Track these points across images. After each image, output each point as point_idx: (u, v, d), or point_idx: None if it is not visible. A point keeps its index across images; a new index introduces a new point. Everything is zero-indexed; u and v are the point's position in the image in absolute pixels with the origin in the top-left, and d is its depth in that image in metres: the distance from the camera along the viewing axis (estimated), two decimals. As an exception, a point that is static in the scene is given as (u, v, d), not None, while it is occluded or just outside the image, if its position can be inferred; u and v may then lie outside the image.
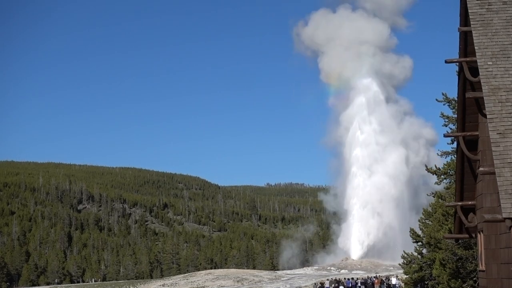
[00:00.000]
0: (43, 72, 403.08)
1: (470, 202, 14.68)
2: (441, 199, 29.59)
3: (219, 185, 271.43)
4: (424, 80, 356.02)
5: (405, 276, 37.57)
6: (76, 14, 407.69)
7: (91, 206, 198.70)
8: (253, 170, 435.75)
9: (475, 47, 12.66)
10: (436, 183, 30.27)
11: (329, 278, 70.52)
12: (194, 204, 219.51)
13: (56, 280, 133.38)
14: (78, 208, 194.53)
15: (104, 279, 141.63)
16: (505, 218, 10.78)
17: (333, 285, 59.61)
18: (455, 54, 14.35)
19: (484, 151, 13.17)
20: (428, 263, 30.82)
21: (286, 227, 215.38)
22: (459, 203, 14.86)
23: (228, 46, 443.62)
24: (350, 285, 57.85)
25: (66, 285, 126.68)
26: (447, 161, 29.15)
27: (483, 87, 12.11)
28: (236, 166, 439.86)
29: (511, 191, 10.88)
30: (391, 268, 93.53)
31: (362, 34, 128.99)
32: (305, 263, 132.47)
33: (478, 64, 12.46)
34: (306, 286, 72.54)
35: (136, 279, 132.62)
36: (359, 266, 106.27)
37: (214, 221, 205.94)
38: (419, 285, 34.19)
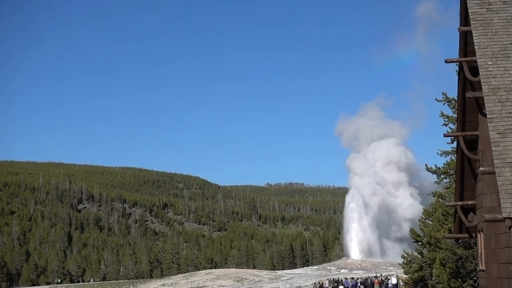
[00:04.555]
0: (43, 72, 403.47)
1: (470, 202, 14.66)
2: (441, 198, 29.59)
3: (219, 185, 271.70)
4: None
5: (405, 276, 37.57)
6: (76, 13, 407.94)
7: (91, 206, 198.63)
8: (253, 170, 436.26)
9: (475, 47, 12.65)
10: (436, 182, 30.27)
11: (329, 278, 70.52)
12: (194, 204, 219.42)
13: (57, 280, 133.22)
14: (78, 208, 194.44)
15: (104, 279, 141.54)
16: (505, 218, 10.77)
17: (332, 285, 59.51)
18: (454, 54, 14.34)
19: (484, 150, 13.16)
20: (428, 262, 30.81)
21: (286, 226, 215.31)
22: (459, 203, 14.84)
23: (227, 46, 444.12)
24: (348, 285, 57.70)
25: (66, 285, 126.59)
26: (447, 161, 29.13)
27: (483, 87, 12.10)
28: (236, 166, 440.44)
29: (511, 191, 10.88)
30: (391, 268, 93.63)
31: None
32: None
33: (478, 63, 12.44)
34: (306, 286, 72.49)
35: (136, 279, 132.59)
36: (359, 266, 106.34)
37: (214, 221, 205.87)
38: (419, 285, 34.19)
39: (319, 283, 63.02)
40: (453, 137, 24.98)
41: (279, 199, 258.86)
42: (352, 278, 64.85)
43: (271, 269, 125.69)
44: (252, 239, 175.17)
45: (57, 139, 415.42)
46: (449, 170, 28.12)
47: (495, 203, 12.47)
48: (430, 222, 30.67)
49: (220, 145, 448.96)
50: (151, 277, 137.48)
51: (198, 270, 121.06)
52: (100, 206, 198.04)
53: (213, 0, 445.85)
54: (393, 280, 55.53)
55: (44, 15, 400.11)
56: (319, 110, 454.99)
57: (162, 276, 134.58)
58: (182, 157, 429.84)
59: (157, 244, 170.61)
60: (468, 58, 13.28)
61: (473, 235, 15.45)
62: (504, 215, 10.75)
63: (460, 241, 24.64)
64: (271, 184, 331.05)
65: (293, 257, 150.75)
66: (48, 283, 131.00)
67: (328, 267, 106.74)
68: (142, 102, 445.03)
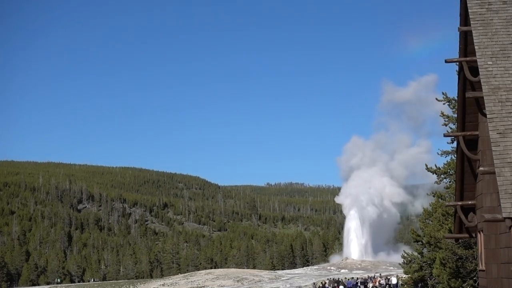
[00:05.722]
0: (43, 72, 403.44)
1: (470, 202, 14.65)
2: (441, 198, 29.58)
3: (219, 185, 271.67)
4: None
5: (405, 276, 37.56)
6: (76, 13, 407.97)
7: (91, 205, 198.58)
8: (253, 170, 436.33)
9: (475, 47, 12.63)
10: (436, 182, 30.26)
11: (329, 278, 70.54)
12: (194, 203, 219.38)
13: (57, 280, 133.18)
14: (78, 207, 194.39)
15: (104, 279, 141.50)
16: (505, 218, 10.77)
17: (332, 285, 59.40)
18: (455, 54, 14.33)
19: (484, 150, 13.15)
20: (428, 262, 30.81)
21: (286, 226, 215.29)
22: (459, 203, 14.83)
23: (227, 46, 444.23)
24: (349, 285, 57.63)
25: (66, 284, 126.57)
26: (447, 161, 29.11)
27: (483, 87, 12.09)
28: (236, 166, 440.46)
29: (511, 190, 10.87)
30: (391, 268, 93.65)
31: None
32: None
33: (478, 63, 12.43)
34: (306, 286, 72.48)
35: (136, 279, 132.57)
36: (359, 266, 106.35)
37: (214, 221, 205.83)
38: (419, 285, 34.18)
39: (321, 283, 62.82)
40: (453, 137, 24.97)
41: (279, 199, 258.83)
42: (352, 278, 64.86)
43: (271, 269, 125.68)
44: (252, 239, 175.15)
45: (57, 139, 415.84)
46: (449, 170, 28.11)
47: (495, 203, 12.46)
48: (430, 222, 30.65)
49: (220, 145, 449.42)
50: (151, 277, 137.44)
51: (198, 270, 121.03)
52: (100, 206, 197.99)
53: (213, 0, 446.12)
54: (393, 280, 55.49)
55: (44, 15, 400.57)
56: (319, 110, 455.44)
57: (162, 276, 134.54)
58: (182, 157, 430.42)
59: (157, 244, 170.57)
60: (468, 58, 13.27)
61: (473, 235, 15.45)
62: (504, 215, 10.74)
63: (460, 241, 24.62)
64: (271, 184, 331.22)
65: (293, 257, 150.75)
66: (48, 283, 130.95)
67: (328, 267, 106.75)
68: (142, 102, 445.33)
